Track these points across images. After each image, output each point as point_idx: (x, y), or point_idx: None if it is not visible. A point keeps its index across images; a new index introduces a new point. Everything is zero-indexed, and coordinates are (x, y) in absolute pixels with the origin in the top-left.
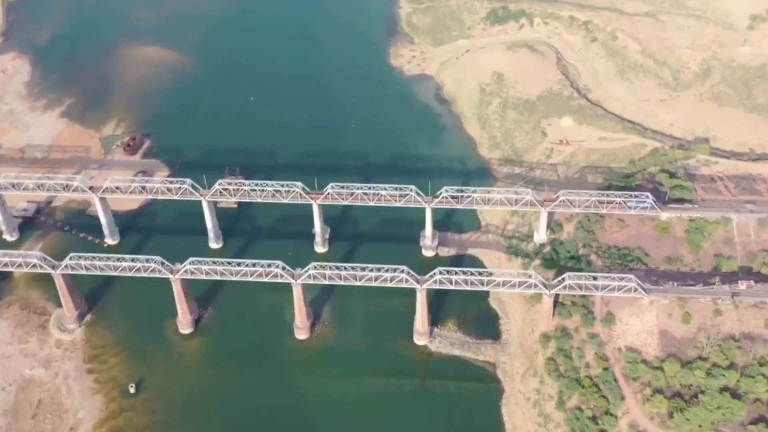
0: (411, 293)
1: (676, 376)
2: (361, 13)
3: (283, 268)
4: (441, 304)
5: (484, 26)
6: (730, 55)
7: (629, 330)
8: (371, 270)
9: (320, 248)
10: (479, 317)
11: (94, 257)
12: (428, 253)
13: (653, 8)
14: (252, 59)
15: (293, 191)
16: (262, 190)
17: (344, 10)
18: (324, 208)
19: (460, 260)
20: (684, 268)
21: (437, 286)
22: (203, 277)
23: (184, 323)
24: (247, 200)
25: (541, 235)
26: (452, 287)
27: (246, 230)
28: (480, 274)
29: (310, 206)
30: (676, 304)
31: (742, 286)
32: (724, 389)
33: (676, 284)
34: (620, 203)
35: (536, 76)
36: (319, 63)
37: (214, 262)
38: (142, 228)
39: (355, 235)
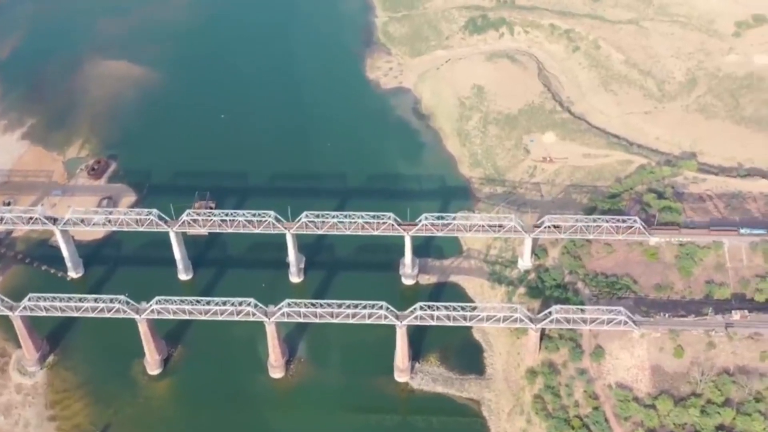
0: (391, 326)
1: (670, 414)
2: (335, 23)
3: (256, 306)
4: (422, 337)
5: (463, 36)
6: (716, 64)
7: (619, 365)
8: (348, 307)
9: (295, 278)
10: (462, 350)
11: (54, 298)
12: (408, 281)
13: (636, 15)
14: (223, 74)
15: (265, 221)
16: (233, 220)
17: (319, 21)
18: (298, 236)
19: (441, 288)
20: (675, 296)
21: (418, 323)
22: (171, 316)
23: (152, 363)
24: (218, 230)
25: (525, 262)
26: (433, 323)
27: (217, 259)
28: (462, 308)
29: (284, 234)
30: (668, 337)
31: (736, 316)
32: (719, 428)
33: (667, 315)
34: (608, 228)
35: (517, 89)
36: (293, 77)
37: (182, 301)
38: (107, 259)
39: (331, 263)
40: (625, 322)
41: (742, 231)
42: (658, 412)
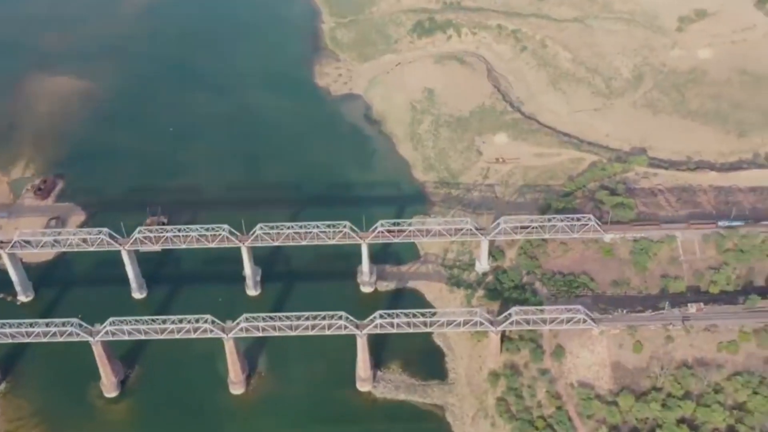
0: (351, 335)
1: (632, 410)
2: (282, 30)
3: (213, 323)
4: (383, 345)
5: (411, 39)
6: (661, 59)
7: (580, 363)
8: (307, 318)
9: (252, 291)
10: (424, 356)
11: (4, 324)
12: (366, 289)
13: (581, 13)
14: (170, 86)
15: (219, 235)
16: (186, 235)
17: (265, 29)
18: (254, 249)
19: (400, 294)
20: (631, 292)
21: (378, 331)
22: (126, 337)
23: (108, 386)
24: (171, 247)
25: (483, 264)
26: (394, 330)
27: (172, 276)
28: (422, 315)
29: (239, 247)
30: (627, 333)
31: (692, 309)
32: (681, 421)
33: (624, 311)
34: (563, 227)
35: (468, 91)
36: (241, 87)
37: (137, 321)
38: (59, 280)
39: (288, 274)
40: (584, 321)
41: (720, 224)
42: (620, 409)
